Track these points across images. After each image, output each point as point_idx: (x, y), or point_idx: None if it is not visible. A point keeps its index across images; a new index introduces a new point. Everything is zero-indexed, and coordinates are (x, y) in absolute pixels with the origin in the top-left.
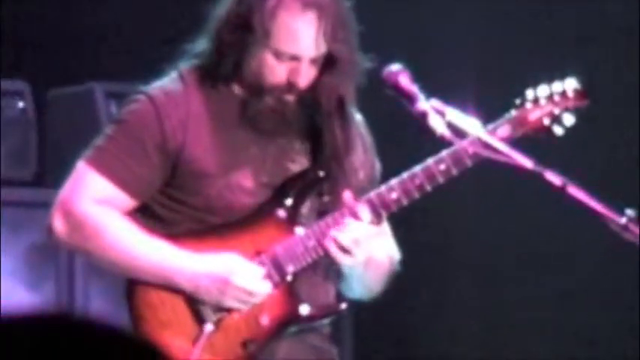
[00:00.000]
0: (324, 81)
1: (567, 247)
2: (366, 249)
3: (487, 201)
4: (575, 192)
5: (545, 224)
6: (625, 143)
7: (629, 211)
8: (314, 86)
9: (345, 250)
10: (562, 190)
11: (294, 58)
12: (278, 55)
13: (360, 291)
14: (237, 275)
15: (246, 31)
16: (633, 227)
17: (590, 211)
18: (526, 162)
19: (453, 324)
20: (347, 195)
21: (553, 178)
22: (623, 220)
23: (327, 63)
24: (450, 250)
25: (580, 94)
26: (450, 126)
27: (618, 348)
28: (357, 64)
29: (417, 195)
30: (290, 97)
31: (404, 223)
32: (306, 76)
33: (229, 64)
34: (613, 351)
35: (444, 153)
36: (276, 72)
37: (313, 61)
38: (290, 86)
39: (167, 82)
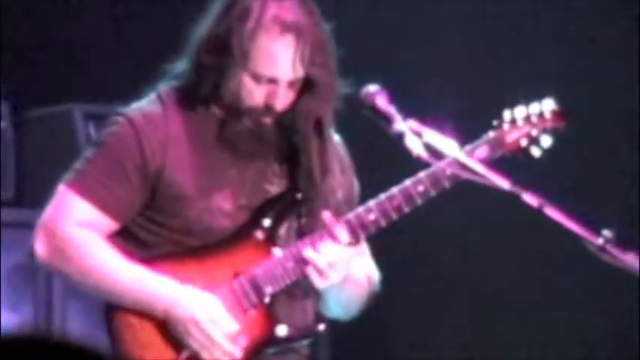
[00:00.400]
0: (302, 104)
1: (548, 244)
2: (342, 272)
3: (464, 203)
4: (552, 213)
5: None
6: (604, 161)
7: (606, 232)
8: (292, 108)
9: (320, 273)
10: (539, 210)
11: (272, 80)
12: (256, 77)
13: (338, 311)
14: (210, 321)
15: (225, 53)
16: (610, 248)
17: (567, 231)
18: (503, 183)
19: (433, 343)
20: (326, 215)
21: (530, 199)
22: (600, 241)
23: (306, 86)
24: (429, 266)
25: (558, 115)
26: (428, 147)
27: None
28: (335, 88)
29: (394, 216)
30: (268, 120)
31: (380, 238)
32: (283, 99)
33: (208, 85)
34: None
35: (422, 174)
36: (254, 94)
37: (291, 84)
38: (267, 108)
39: (146, 104)
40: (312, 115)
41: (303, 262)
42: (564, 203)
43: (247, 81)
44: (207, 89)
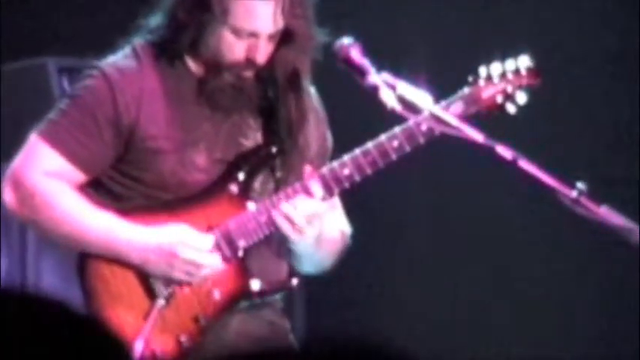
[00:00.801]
0: (281, 55)
1: (512, 229)
2: (317, 227)
3: (440, 180)
4: (526, 166)
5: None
6: (577, 118)
7: (580, 185)
8: (271, 60)
9: (295, 227)
10: (513, 164)
11: (253, 34)
12: (236, 32)
13: (311, 267)
14: (185, 247)
15: (203, 8)
16: (584, 201)
17: (541, 184)
18: (477, 136)
19: (404, 296)
20: (307, 168)
21: (504, 152)
22: (575, 194)
23: (284, 37)
24: (402, 221)
25: (533, 72)
26: (401, 99)
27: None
28: (313, 39)
29: (369, 171)
30: (248, 74)
31: (354, 196)
32: (264, 52)
33: (186, 41)
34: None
35: (397, 129)
36: (235, 49)
37: (271, 36)
38: (248, 63)
39: (121, 58)
40: (291, 66)
41: (278, 215)
42: (537, 159)
43: (227, 36)
44: (184, 45)
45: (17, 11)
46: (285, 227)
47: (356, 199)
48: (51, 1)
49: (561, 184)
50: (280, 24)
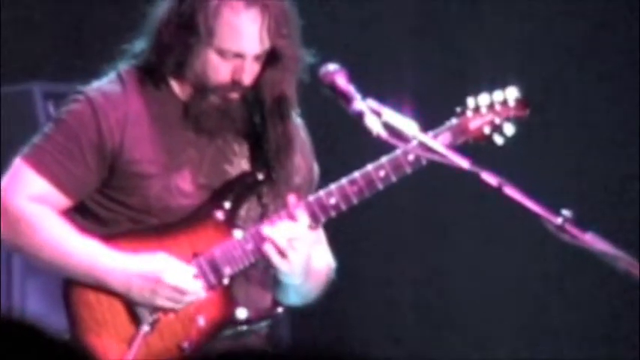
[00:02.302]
0: (267, 76)
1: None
2: (303, 253)
3: (424, 197)
4: (512, 192)
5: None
6: (563, 144)
7: (565, 212)
8: (257, 82)
9: (280, 253)
10: (498, 190)
11: (238, 55)
12: (222, 53)
13: (296, 300)
14: (169, 274)
15: (188, 30)
16: (569, 228)
17: (526, 211)
18: (463, 163)
19: (391, 323)
20: (291, 198)
21: (489, 178)
22: (559, 221)
23: (270, 57)
24: (390, 236)
25: (521, 103)
26: (387, 126)
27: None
28: (299, 59)
29: (355, 201)
30: (234, 95)
31: (339, 225)
32: (250, 73)
33: (170, 63)
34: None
35: (384, 159)
36: (220, 70)
37: (257, 57)
38: (234, 84)
39: (106, 83)
40: (278, 87)
41: (261, 240)
42: (523, 184)
43: (213, 57)
44: (169, 68)
45: (3, 37)
46: (271, 253)
47: (341, 220)
48: (37, 27)
49: (546, 211)
50: (266, 44)
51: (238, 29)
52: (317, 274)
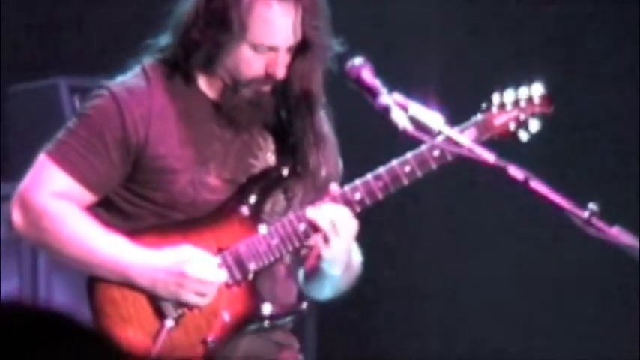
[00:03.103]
0: (297, 67)
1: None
2: (346, 240)
3: (449, 197)
4: (538, 186)
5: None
6: (587, 141)
7: (592, 206)
8: (287, 73)
9: (324, 237)
10: (524, 184)
11: (272, 49)
12: (255, 48)
13: (328, 293)
14: (193, 267)
15: (220, 27)
16: (596, 222)
17: (553, 205)
18: (489, 157)
19: (416, 321)
20: (333, 185)
21: (515, 172)
22: (586, 215)
23: (300, 48)
24: (413, 246)
25: (546, 100)
26: (413, 120)
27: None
28: (329, 49)
29: (380, 196)
30: (266, 88)
31: (366, 223)
32: (283, 66)
33: (199, 59)
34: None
35: (409, 155)
36: (253, 65)
37: (289, 49)
38: (268, 77)
39: (130, 78)
40: (307, 77)
41: (303, 224)
42: (549, 179)
43: (246, 52)
44: (197, 63)
45: (29, 32)
46: (316, 239)
47: (367, 222)
48: (63, 22)
49: (573, 205)
50: (298, 36)
51: (272, 23)
52: (354, 266)
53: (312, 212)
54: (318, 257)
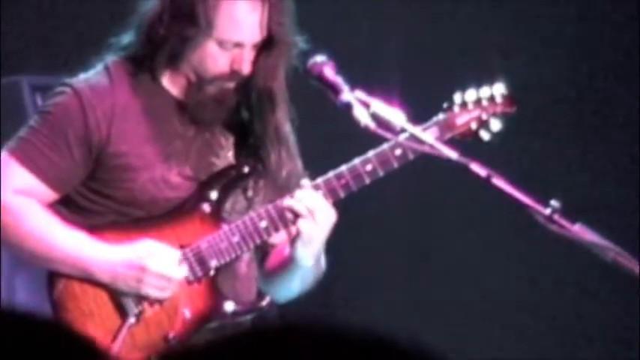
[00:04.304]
0: (261, 63)
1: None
2: (324, 228)
3: (413, 201)
4: (500, 183)
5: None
6: (549, 137)
7: (554, 202)
8: (252, 69)
9: (303, 224)
10: (487, 180)
11: (238, 45)
12: (221, 44)
13: (294, 289)
14: (154, 261)
15: (186, 22)
16: (558, 219)
17: (515, 201)
18: (451, 153)
19: (380, 316)
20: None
21: (478, 169)
22: (548, 212)
23: (264, 44)
24: (382, 244)
25: (508, 100)
26: (375, 117)
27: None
28: (293, 45)
29: (342, 194)
30: (231, 85)
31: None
32: (248, 62)
33: (163, 55)
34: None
35: (371, 153)
36: (219, 61)
37: (254, 45)
38: (233, 74)
39: (93, 75)
40: (271, 74)
41: (282, 211)
42: (511, 176)
43: (212, 48)
44: (162, 60)
45: None
46: (294, 221)
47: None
48: (24, 19)
49: (535, 202)
50: (264, 32)
51: (239, 19)
52: (321, 263)
53: (289, 200)
54: (292, 246)
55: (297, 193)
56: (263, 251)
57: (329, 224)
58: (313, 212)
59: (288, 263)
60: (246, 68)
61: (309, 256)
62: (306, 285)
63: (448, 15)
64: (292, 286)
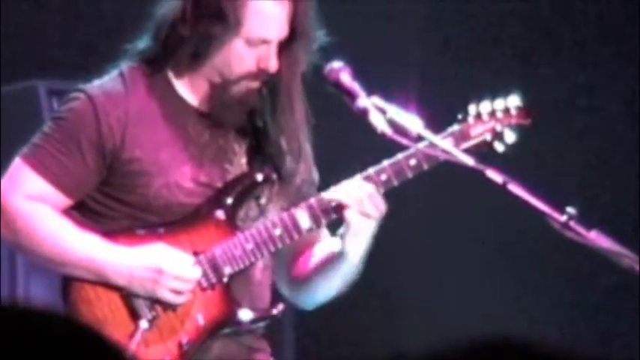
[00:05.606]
0: (283, 58)
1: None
2: (373, 221)
3: (433, 205)
4: (516, 189)
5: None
6: (568, 143)
7: (570, 209)
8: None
9: (354, 213)
10: (503, 187)
11: (265, 41)
12: (249, 41)
13: (333, 288)
14: (170, 263)
15: (212, 21)
16: (574, 225)
17: (530, 208)
18: (468, 160)
19: (399, 323)
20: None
21: (494, 175)
22: (564, 218)
23: (286, 39)
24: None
25: (523, 112)
26: (392, 123)
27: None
28: (315, 40)
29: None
30: (256, 85)
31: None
32: (275, 58)
33: (185, 57)
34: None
35: (386, 163)
36: (246, 60)
37: (279, 41)
38: (260, 72)
39: (107, 81)
40: (292, 69)
41: (266, 241)
42: (527, 182)
43: (239, 47)
44: (183, 62)
45: (7, 34)
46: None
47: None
48: (41, 24)
49: (551, 208)
50: (289, 28)
51: (268, 16)
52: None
53: (332, 193)
54: (342, 239)
55: (344, 183)
56: (291, 255)
57: (379, 215)
58: (362, 201)
59: (332, 261)
60: (273, 65)
61: (359, 250)
62: (345, 285)
63: (468, 19)
64: (332, 286)
